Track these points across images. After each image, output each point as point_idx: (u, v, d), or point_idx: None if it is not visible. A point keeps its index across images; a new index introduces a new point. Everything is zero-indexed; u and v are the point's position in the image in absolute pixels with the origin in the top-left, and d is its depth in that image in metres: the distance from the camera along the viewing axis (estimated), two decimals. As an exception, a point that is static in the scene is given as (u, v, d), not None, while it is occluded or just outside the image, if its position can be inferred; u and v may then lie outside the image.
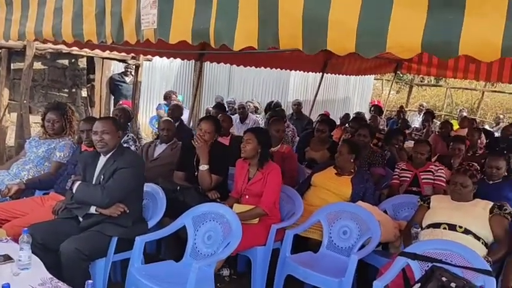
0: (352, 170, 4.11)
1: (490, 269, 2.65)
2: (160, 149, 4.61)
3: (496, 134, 9.40)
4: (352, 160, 4.09)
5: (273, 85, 10.56)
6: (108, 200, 2.91)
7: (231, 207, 3.47)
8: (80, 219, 3.03)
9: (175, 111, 5.83)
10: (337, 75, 9.49)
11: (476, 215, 3.18)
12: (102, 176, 3.04)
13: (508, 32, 1.12)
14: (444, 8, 1.22)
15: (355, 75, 10.45)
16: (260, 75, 10.41)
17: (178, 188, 3.77)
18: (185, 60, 9.63)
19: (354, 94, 12.69)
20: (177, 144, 4.64)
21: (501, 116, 11.87)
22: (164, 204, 3.30)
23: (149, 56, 6.62)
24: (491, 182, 4.09)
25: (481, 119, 12.39)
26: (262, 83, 10.69)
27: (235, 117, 7.63)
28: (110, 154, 3.11)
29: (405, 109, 12.52)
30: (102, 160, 3.13)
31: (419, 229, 3.20)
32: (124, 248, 3.02)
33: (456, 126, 11.02)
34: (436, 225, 3.18)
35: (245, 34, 1.69)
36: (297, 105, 8.51)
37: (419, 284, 2.70)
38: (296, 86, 10.58)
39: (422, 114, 11.68)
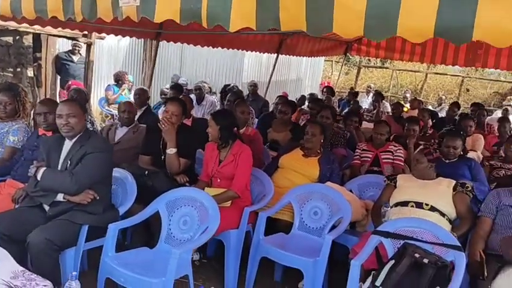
0: (318, 151, 4.17)
1: (459, 244, 2.80)
2: (121, 132, 4.44)
3: (440, 114, 9.90)
4: (321, 141, 4.15)
5: (227, 66, 10.44)
6: (77, 187, 2.77)
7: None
8: (46, 207, 2.87)
9: (142, 95, 5.59)
10: (290, 56, 9.54)
11: (440, 192, 3.33)
12: (69, 162, 2.88)
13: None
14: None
15: (308, 56, 10.54)
16: (213, 56, 10.24)
17: (146, 172, 3.66)
18: (134, 39, 9.29)
19: (305, 76, 12.83)
20: (139, 127, 4.49)
21: (443, 97, 12.45)
22: (135, 190, 3.20)
23: (103, 34, 6.30)
24: (447, 161, 4.28)
25: (425, 100, 12.93)
26: (216, 64, 10.54)
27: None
28: (76, 138, 2.96)
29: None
30: (68, 145, 2.97)
31: (389, 208, 3.30)
32: (95, 236, 2.91)
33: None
34: (404, 204, 3.30)
35: (242, 15, 1.64)
36: (253, 86, 8.48)
37: (392, 261, 2.79)
38: (250, 67, 10.53)
39: (370, 95, 12.06)
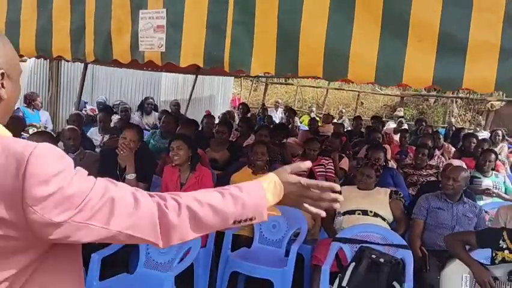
0: (265, 168, 4.49)
1: (406, 243, 3.30)
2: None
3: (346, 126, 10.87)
4: (267, 159, 4.48)
5: (143, 85, 10.38)
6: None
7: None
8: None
9: (77, 120, 5.43)
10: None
11: (380, 201, 3.84)
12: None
13: (499, 72, 1.58)
14: (450, 52, 1.64)
15: (222, 75, 10.93)
16: (127, 75, 10.13)
17: (109, 199, 3.67)
18: (41, 60, 8.88)
19: (218, 93, 13.17)
20: (84, 153, 4.43)
21: (343, 110, 13.63)
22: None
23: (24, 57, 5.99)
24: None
25: (325, 113, 14.03)
26: (131, 83, 10.42)
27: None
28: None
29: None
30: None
31: (341, 217, 3.73)
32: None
33: (307, 120, 12.31)
34: (351, 212, 3.75)
35: (262, 61, 1.90)
36: (176, 105, 8.57)
37: (353, 263, 3.21)
38: (167, 86, 10.58)
39: (279, 110, 12.78)
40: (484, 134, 10.90)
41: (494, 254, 2.74)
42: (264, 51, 1.88)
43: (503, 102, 12.85)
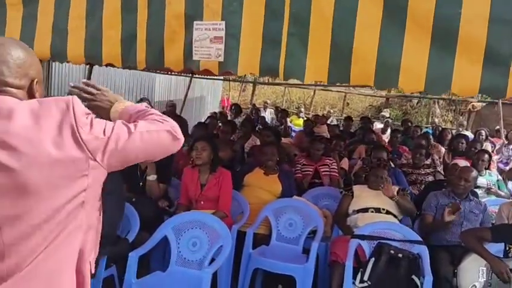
0: (275, 169, 4.64)
1: (421, 239, 3.49)
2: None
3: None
4: (277, 159, 4.63)
5: (138, 86, 10.40)
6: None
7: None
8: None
9: None
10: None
11: (389, 199, 4.03)
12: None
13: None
14: (495, 64, 1.82)
15: (213, 77, 11.02)
16: (122, 76, 10.14)
17: (133, 199, 3.76)
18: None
19: (208, 93, 13.26)
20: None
21: (331, 111, 13.89)
22: (138, 218, 3.33)
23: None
24: (376, 171, 5.08)
25: (315, 114, 14.25)
26: (126, 84, 10.42)
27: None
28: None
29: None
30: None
31: (356, 215, 3.90)
32: (106, 266, 3.00)
33: (295, 121, 12.50)
34: (365, 210, 3.93)
35: (315, 70, 2.05)
36: (172, 106, 8.64)
37: (373, 259, 3.38)
38: (162, 87, 10.62)
39: (268, 111, 12.95)
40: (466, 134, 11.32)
41: (508, 248, 2.95)
42: (317, 61, 2.03)
43: (484, 104, 13.33)
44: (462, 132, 9.28)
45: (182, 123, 7.05)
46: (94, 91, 1.54)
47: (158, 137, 1.32)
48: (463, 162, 4.70)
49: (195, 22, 2.18)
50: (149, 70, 7.25)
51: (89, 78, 6.02)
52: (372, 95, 14.99)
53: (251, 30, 2.10)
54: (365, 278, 3.28)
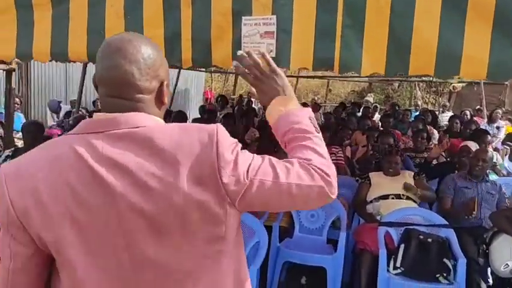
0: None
1: (447, 223, 3.54)
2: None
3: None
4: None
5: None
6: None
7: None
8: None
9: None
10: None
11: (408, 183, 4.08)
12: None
13: None
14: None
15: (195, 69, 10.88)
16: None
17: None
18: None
19: (191, 85, 13.10)
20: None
21: (316, 98, 13.95)
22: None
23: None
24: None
25: (300, 102, 14.28)
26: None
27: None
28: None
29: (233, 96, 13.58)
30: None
31: (378, 202, 3.93)
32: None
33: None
34: (385, 197, 3.96)
35: (372, 62, 2.02)
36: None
37: (403, 245, 3.42)
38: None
39: (254, 102, 12.88)
40: (448, 115, 11.56)
41: (537, 226, 3.02)
42: (374, 52, 2.01)
43: (464, 84, 13.62)
44: (456, 114, 9.34)
45: (183, 118, 6.95)
46: (267, 73, 1.28)
47: (309, 193, 1.08)
48: (472, 144, 4.79)
49: (243, 17, 2.11)
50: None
51: (84, 76, 5.84)
52: (355, 81, 15.09)
53: (303, 23, 2.05)
54: (398, 264, 3.32)
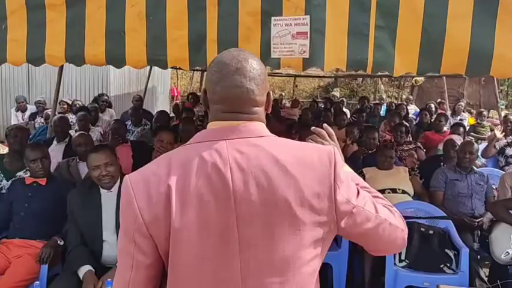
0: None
1: (446, 214, 3.67)
2: (84, 167, 4.10)
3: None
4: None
5: (91, 80, 9.82)
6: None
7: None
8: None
9: (64, 126, 5.04)
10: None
11: (402, 178, 4.18)
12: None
13: None
14: None
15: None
16: (71, 71, 9.51)
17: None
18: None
19: (158, 83, 12.86)
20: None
21: (283, 94, 14.05)
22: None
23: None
24: (370, 152, 5.24)
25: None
26: (76, 79, 9.80)
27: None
28: (116, 187, 2.87)
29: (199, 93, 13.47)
30: (109, 196, 2.84)
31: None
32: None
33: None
34: (382, 191, 4.04)
35: (405, 63, 2.06)
36: (139, 100, 8.23)
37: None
38: (117, 80, 10.12)
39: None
40: (412, 108, 11.96)
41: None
42: (406, 53, 2.04)
43: (424, 78, 14.11)
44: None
45: (167, 119, 6.80)
46: (330, 141, 1.34)
47: (396, 235, 1.17)
48: (456, 137, 4.97)
49: (272, 17, 2.08)
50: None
51: (60, 79, 5.59)
52: (321, 76, 15.30)
53: (336, 24, 2.06)
54: (402, 257, 3.41)
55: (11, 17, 2.34)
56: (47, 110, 7.89)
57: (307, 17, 2.04)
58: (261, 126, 1.14)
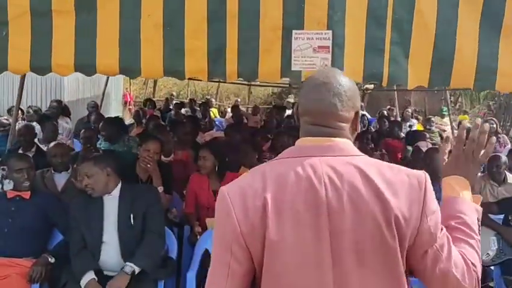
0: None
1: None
2: (60, 179, 3.91)
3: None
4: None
5: (45, 85, 9.36)
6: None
7: (199, 222, 3.59)
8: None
9: (28, 134, 4.77)
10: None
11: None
12: (132, 219, 2.70)
13: None
14: None
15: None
16: (27, 76, 9.01)
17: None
18: None
19: (111, 89, 12.50)
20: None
21: (238, 100, 14.10)
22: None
23: None
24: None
25: (221, 104, 14.36)
26: (32, 84, 9.30)
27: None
28: (119, 192, 2.80)
29: (154, 99, 13.24)
30: (111, 201, 2.76)
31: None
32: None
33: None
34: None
35: (417, 76, 2.17)
36: (95, 106, 7.97)
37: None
38: (71, 85, 9.72)
39: (172, 103, 12.53)
40: (363, 113, 12.40)
41: (510, 217, 3.43)
42: (418, 67, 2.15)
43: (373, 86, 14.65)
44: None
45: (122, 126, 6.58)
46: (480, 158, 1.27)
47: (467, 276, 1.13)
48: (423, 144, 5.23)
49: (293, 31, 2.12)
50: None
51: (22, 87, 5.28)
52: (276, 85, 15.51)
53: (354, 39, 2.13)
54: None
55: (13, 23, 2.20)
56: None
57: (330, 32, 2.10)
58: (349, 145, 1.17)
